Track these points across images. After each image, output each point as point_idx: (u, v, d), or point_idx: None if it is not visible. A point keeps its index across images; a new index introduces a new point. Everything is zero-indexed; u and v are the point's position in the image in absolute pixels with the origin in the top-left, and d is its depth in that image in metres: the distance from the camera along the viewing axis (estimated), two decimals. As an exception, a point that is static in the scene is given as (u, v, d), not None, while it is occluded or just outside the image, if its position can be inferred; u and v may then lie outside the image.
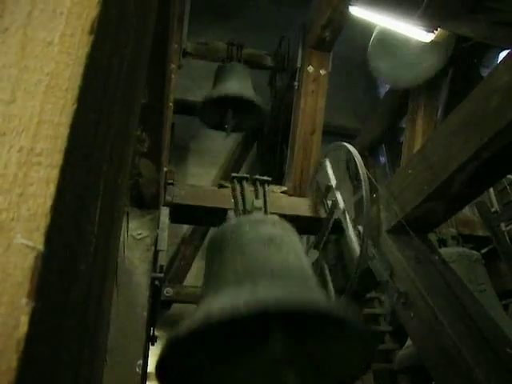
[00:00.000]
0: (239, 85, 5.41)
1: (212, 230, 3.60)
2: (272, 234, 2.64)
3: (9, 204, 0.31)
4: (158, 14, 1.80)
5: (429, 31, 3.13)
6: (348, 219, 3.42)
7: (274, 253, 2.42)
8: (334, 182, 3.71)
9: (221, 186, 3.97)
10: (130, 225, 2.71)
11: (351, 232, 3.32)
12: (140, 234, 2.75)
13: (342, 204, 3.53)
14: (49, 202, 0.32)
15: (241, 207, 3.54)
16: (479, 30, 2.46)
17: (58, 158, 0.32)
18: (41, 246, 0.31)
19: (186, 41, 5.56)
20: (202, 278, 2.49)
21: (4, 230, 0.30)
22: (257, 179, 3.70)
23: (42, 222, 0.31)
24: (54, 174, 0.32)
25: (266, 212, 3.46)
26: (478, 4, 2.41)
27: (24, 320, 0.29)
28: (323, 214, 3.69)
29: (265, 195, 3.62)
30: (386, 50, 4.75)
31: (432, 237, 3.62)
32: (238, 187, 3.68)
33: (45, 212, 0.31)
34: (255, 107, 5.45)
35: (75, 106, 0.33)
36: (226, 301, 1.77)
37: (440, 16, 2.75)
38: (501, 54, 4.19)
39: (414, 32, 3.31)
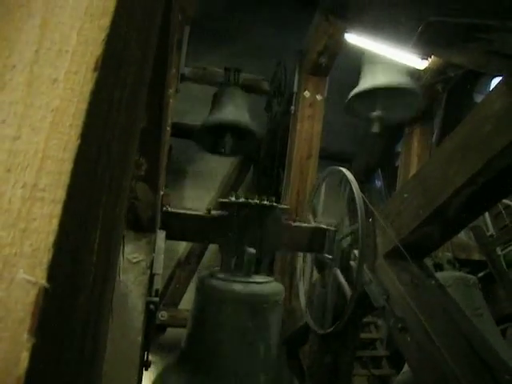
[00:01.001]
0: (236, 111, 5.49)
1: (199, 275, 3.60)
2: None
3: (12, 239, 0.31)
4: (158, 42, 1.83)
5: (423, 58, 3.18)
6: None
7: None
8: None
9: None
10: (125, 248, 2.69)
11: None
12: (136, 258, 2.74)
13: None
14: (51, 238, 0.32)
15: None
16: (472, 58, 2.50)
17: (61, 194, 0.33)
18: (43, 282, 0.31)
19: (184, 65, 5.63)
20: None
21: (7, 265, 0.31)
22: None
23: (45, 258, 0.31)
24: (57, 209, 0.32)
25: (261, 242, 3.44)
26: (471, 34, 2.46)
27: (25, 356, 0.29)
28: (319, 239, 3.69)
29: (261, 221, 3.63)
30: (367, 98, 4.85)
31: (428, 261, 3.62)
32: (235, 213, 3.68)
33: (47, 247, 0.32)
34: (251, 133, 5.53)
35: (79, 141, 0.33)
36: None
37: (434, 44, 2.80)
38: (493, 81, 4.26)
39: (409, 59, 3.36)
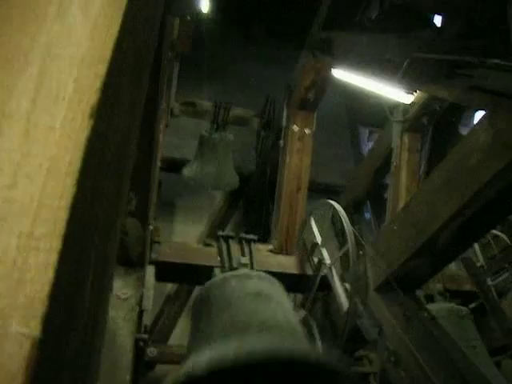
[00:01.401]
0: (216, 168, 5.55)
1: (198, 288, 3.57)
2: (259, 288, 2.65)
3: (7, 290, 0.30)
4: (150, 80, 1.86)
5: (409, 93, 3.26)
6: (335, 275, 3.41)
7: (262, 306, 2.41)
8: (319, 240, 3.72)
9: (207, 245, 3.96)
10: (114, 284, 2.66)
11: (339, 288, 3.30)
12: (125, 294, 2.70)
13: (328, 260, 3.53)
14: (46, 288, 0.32)
15: (227, 264, 3.53)
16: (455, 93, 2.57)
17: (56, 243, 0.32)
18: (37, 333, 0.30)
19: (174, 101, 5.68)
20: (188, 337, 2.43)
21: (1, 317, 0.30)
22: (243, 238, 3.71)
23: (40, 309, 0.31)
24: (53, 258, 0.32)
25: (252, 269, 3.45)
26: (453, 71, 2.54)
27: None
28: (310, 272, 3.68)
29: (251, 253, 3.62)
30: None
31: (419, 293, 3.61)
32: (224, 246, 3.68)
33: (42, 298, 0.31)
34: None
35: (74, 189, 0.33)
36: (213, 353, 1.72)
37: (418, 80, 2.88)
38: (476, 114, 4.35)
39: (395, 94, 3.43)
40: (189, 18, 1.94)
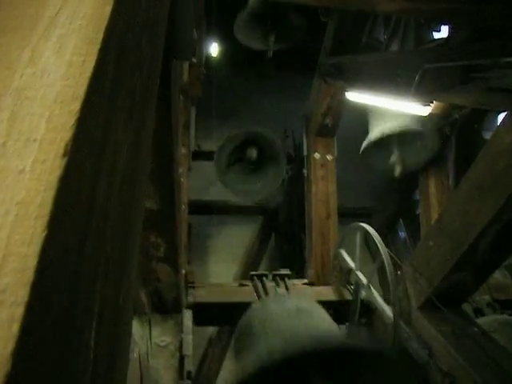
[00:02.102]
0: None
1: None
2: (299, 305, 2.61)
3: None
4: (161, 124, 1.89)
5: (425, 105, 3.22)
6: (374, 292, 3.31)
7: (304, 321, 2.37)
8: (353, 264, 3.64)
9: (242, 285, 3.93)
10: (152, 332, 2.64)
11: (381, 303, 3.18)
12: (163, 341, 2.68)
13: (364, 280, 3.44)
14: (10, 346, 0.29)
15: (264, 297, 3.49)
16: (472, 98, 2.52)
17: (23, 294, 0.30)
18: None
19: (194, 143, 5.76)
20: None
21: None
22: (276, 275, 3.69)
23: (2, 370, 0.28)
24: (18, 312, 0.30)
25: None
26: (467, 76, 2.50)
27: None
28: (348, 297, 3.59)
29: (286, 287, 3.57)
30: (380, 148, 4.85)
31: (467, 307, 3.46)
32: (259, 284, 3.64)
33: (5, 357, 0.29)
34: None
35: (45, 232, 0.32)
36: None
37: (433, 90, 2.84)
38: (499, 116, 4.26)
39: (411, 108, 3.40)
40: (195, 60, 1.98)
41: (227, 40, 6.25)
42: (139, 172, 0.79)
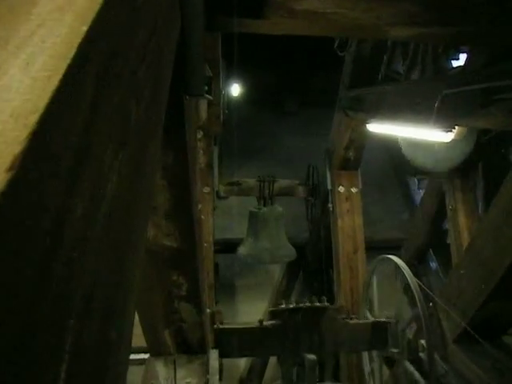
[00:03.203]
0: (270, 242, 5.52)
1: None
2: None
3: None
4: (177, 160, 1.89)
5: (447, 131, 3.16)
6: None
7: None
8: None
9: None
10: (177, 373, 2.58)
11: None
12: (189, 382, 2.60)
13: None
14: None
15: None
16: (495, 120, 2.46)
17: None
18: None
19: (218, 183, 5.78)
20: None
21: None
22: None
23: None
24: None
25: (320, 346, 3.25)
26: (487, 98, 2.45)
27: None
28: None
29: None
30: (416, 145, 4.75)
31: (508, 339, 3.28)
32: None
33: None
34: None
35: None
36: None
37: (454, 115, 2.80)
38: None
39: (433, 135, 3.34)
40: (210, 98, 1.99)
41: (249, 80, 6.38)
42: (139, 203, 0.76)
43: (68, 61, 0.40)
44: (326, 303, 3.29)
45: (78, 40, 0.44)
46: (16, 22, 0.45)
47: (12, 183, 0.30)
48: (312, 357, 3.06)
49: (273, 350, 3.38)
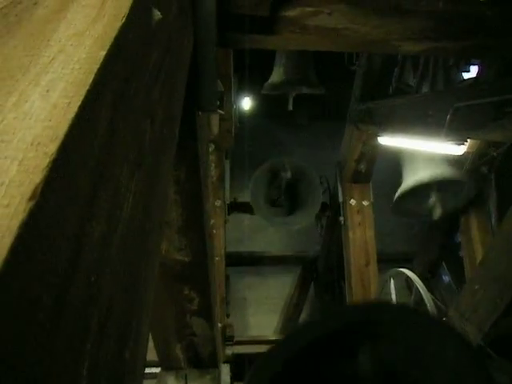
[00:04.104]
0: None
1: None
2: None
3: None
4: (189, 175, 1.90)
5: (459, 144, 3.14)
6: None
7: None
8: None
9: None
10: (189, 389, 2.57)
11: None
12: (201, 398, 2.59)
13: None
14: None
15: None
16: (507, 133, 2.44)
17: None
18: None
19: (230, 196, 5.78)
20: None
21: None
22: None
23: None
24: None
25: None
26: (499, 111, 2.43)
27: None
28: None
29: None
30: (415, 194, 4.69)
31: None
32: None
33: None
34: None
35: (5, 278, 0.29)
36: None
37: (466, 128, 2.78)
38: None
39: (445, 148, 3.32)
40: (222, 112, 2.01)
41: (260, 93, 6.41)
42: (153, 220, 0.77)
43: (87, 87, 0.41)
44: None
45: (96, 66, 0.44)
46: (37, 47, 0.46)
47: (33, 212, 0.30)
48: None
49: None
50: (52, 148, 0.34)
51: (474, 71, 4.31)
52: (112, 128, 0.49)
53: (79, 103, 0.39)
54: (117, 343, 0.51)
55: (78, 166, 0.39)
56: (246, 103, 7.84)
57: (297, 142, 8.73)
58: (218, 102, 1.97)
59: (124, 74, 0.55)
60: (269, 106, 8.78)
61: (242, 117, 6.97)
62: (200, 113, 1.79)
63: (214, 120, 3.03)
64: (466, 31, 2.05)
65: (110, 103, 0.49)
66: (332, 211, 5.67)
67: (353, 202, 5.16)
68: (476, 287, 2.84)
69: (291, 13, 1.81)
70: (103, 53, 0.47)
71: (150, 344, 2.63)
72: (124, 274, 0.56)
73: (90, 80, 0.42)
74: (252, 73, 5.55)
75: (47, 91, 0.40)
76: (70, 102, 0.39)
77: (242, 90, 7.04)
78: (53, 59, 0.46)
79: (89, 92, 0.41)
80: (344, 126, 5.28)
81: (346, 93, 5.25)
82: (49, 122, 0.36)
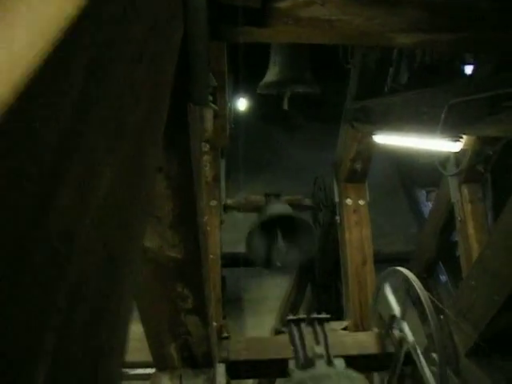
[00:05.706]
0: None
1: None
2: None
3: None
4: (180, 169, 1.87)
5: (455, 140, 3.13)
6: (419, 353, 3.09)
7: None
8: (397, 311, 3.45)
9: (279, 332, 3.78)
10: (183, 389, 2.54)
11: (425, 368, 2.96)
12: (195, 398, 2.56)
13: (410, 337, 3.23)
14: None
15: (302, 355, 3.31)
16: (504, 127, 2.43)
17: None
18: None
19: (225, 197, 5.76)
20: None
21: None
22: (314, 318, 3.52)
23: None
24: None
25: (329, 358, 3.21)
26: (495, 106, 2.41)
27: None
28: (391, 348, 3.37)
29: (325, 337, 3.39)
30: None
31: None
32: (295, 332, 3.48)
33: None
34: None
35: None
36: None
37: (461, 124, 2.76)
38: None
39: (441, 145, 3.31)
40: (215, 107, 1.99)
41: (256, 93, 6.39)
42: (136, 209, 0.74)
43: (57, 41, 0.38)
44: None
45: (67, 22, 0.42)
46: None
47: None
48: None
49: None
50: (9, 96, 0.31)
51: (469, 71, 4.30)
52: (87, 92, 0.46)
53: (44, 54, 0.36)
54: (89, 325, 0.48)
55: (45, 113, 0.36)
56: (242, 104, 7.83)
57: (294, 142, 8.72)
58: (211, 97, 1.94)
59: (100, 38, 0.53)
60: (264, 106, 8.78)
61: (237, 117, 6.94)
62: (191, 105, 1.76)
63: (208, 115, 3.00)
64: (461, 24, 2.03)
65: (84, 65, 0.46)
66: (328, 211, 5.65)
67: (349, 201, 5.15)
68: (473, 284, 2.82)
69: (283, 4, 1.79)
70: (76, 9, 0.45)
71: (144, 344, 2.59)
72: (99, 251, 0.53)
73: (61, 35, 0.40)
74: (248, 74, 5.55)
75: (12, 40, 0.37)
76: (36, 54, 0.36)
77: (237, 91, 7.02)
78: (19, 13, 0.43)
79: (59, 46, 0.38)
80: (339, 125, 5.27)
81: (341, 93, 5.25)
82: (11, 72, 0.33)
